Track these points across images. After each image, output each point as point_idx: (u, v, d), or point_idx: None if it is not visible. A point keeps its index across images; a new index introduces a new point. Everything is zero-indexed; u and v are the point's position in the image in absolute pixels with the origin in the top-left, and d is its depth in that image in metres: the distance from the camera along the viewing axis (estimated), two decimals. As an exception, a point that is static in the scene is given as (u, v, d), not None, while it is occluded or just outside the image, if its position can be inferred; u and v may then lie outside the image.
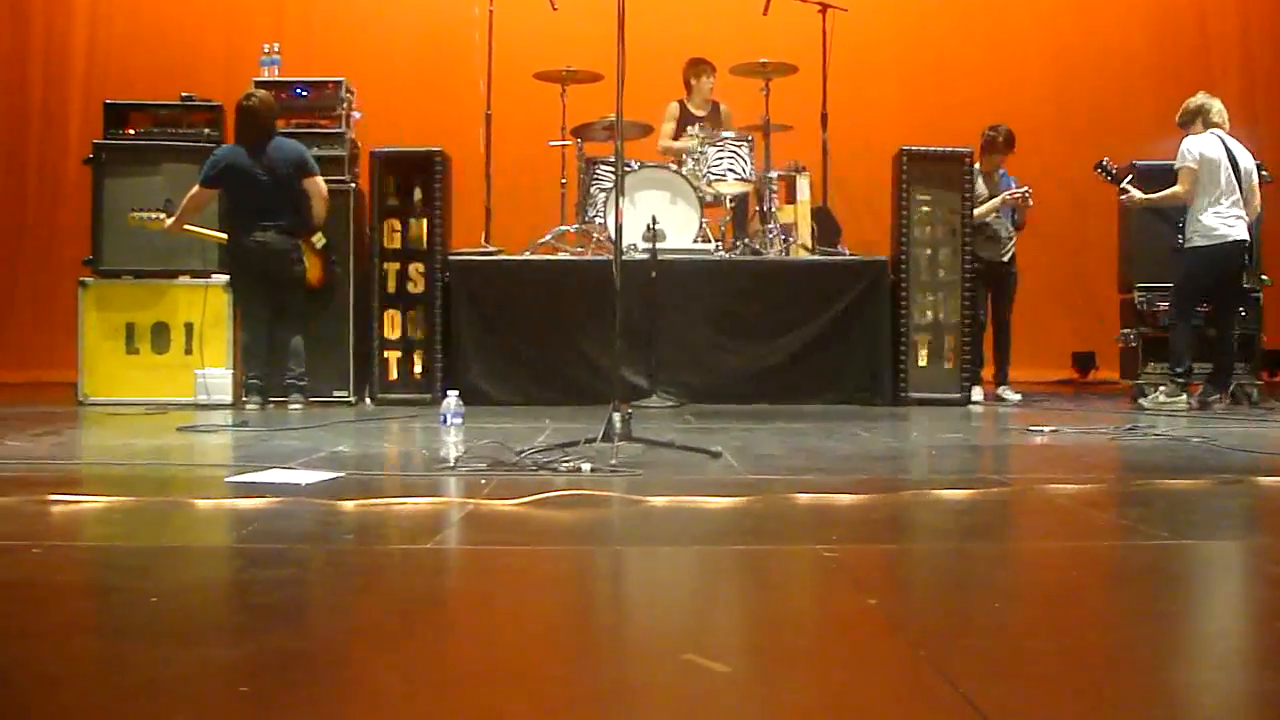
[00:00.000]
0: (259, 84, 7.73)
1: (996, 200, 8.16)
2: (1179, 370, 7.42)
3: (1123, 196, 7.78)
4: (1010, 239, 8.29)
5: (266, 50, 8.07)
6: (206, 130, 7.93)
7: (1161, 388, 7.46)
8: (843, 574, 2.65)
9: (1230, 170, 7.36)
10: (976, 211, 7.95)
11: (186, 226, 7.22)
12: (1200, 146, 7.41)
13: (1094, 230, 9.93)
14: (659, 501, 3.43)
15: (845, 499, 3.52)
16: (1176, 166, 7.45)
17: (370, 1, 10.83)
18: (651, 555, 2.95)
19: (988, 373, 8.36)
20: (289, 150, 7.19)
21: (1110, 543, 3.15)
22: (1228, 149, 7.40)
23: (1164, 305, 7.90)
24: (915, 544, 3.26)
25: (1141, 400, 7.51)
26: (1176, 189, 7.45)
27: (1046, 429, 5.86)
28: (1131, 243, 8.52)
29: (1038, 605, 2.46)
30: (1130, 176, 7.88)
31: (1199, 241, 7.39)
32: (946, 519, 3.49)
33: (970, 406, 7.69)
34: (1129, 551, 3.00)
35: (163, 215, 7.25)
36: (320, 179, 7.22)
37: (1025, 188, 8.21)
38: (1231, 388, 7.50)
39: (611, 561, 2.89)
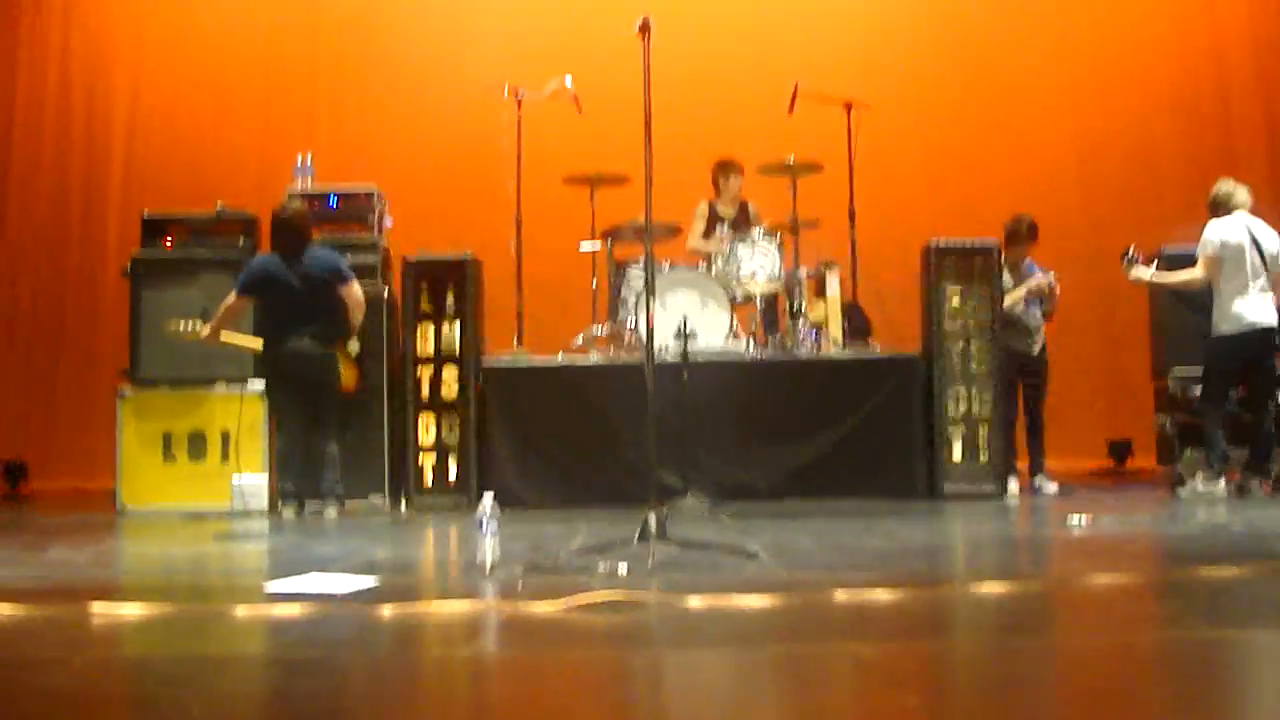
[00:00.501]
0: (292, 194, 7.87)
1: (1021, 289, 8.14)
2: (1215, 456, 7.36)
3: (1130, 275, 7.73)
4: (1039, 329, 8.26)
5: (299, 160, 8.23)
6: (242, 240, 8.06)
7: (1199, 474, 7.39)
8: (881, 673, 2.64)
9: (1256, 254, 7.36)
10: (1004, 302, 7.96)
11: (223, 335, 7.28)
12: (1222, 233, 7.41)
13: (1125, 317, 9.91)
14: (696, 602, 3.42)
15: (882, 596, 3.50)
16: (1198, 253, 7.46)
17: (400, 109, 11.01)
18: (690, 658, 2.94)
19: (1022, 463, 8.30)
20: (325, 259, 7.27)
21: (1152, 636, 3.12)
22: (1252, 233, 7.40)
23: (1198, 390, 7.85)
24: (954, 641, 3.23)
25: (1179, 489, 7.44)
26: (1195, 273, 7.46)
27: (1084, 519, 5.81)
28: (1163, 329, 8.50)
29: (1079, 702, 2.43)
30: (1156, 264, 7.86)
31: (1225, 329, 7.37)
32: (985, 615, 3.46)
33: (1007, 499, 7.64)
34: (1171, 645, 2.97)
35: (199, 324, 7.30)
36: (356, 286, 7.28)
37: (1050, 275, 8.18)
38: (1274, 473, 7.43)
39: (650, 665, 2.89)
